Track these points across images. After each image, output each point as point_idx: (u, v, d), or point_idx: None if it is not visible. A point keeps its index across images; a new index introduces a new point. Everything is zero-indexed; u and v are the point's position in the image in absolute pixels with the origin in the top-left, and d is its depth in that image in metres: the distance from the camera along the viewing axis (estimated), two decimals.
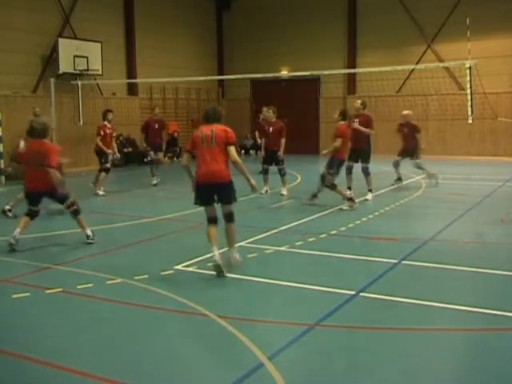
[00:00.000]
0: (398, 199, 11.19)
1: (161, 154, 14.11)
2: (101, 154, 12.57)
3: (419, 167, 13.02)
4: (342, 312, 5.23)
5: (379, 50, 20.90)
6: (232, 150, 6.31)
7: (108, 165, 12.46)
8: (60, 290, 5.90)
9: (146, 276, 6.29)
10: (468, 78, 12.69)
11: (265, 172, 12.06)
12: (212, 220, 6.56)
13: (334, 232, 8.45)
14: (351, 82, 21.59)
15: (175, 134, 20.90)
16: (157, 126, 13.92)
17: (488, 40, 18.69)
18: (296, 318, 5.09)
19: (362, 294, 5.66)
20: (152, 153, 13.87)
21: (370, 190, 11.35)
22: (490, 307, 5.22)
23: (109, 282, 6.13)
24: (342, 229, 8.66)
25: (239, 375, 3.99)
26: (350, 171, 11.32)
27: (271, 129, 12.04)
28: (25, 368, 4.23)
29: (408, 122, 12.95)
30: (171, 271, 6.52)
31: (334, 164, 10.20)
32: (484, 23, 18.17)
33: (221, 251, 6.46)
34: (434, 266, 6.62)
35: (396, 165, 12.93)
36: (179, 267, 6.66)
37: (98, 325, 5.05)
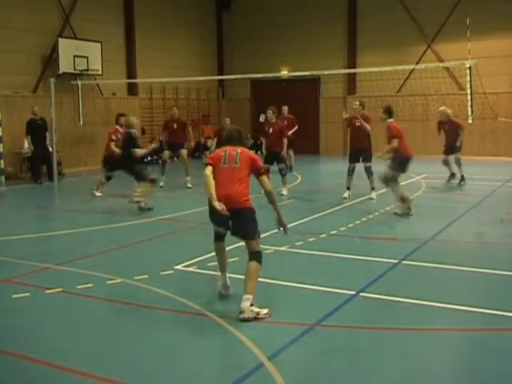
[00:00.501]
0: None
1: (183, 151, 13.65)
2: (109, 161, 11.97)
3: (458, 163, 13.26)
4: (342, 312, 5.23)
5: (379, 49, 20.90)
6: (265, 179, 5.48)
7: (111, 174, 11.94)
8: (60, 290, 5.90)
9: (146, 276, 6.29)
10: (468, 78, 12.68)
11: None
12: (219, 236, 5.60)
13: (333, 232, 8.45)
14: (351, 82, 21.59)
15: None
16: (175, 125, 13.69)
17: (488, 40, 18.68)
18: (296, 317, 5.09)
19: (361, 293, 5.66)
20: (167, 152, 13.68)
21: (373, 189, 11.42)
22: (489, 307, 5.23)
23: (109, 282, 6.13)
24: (342, 229, 8.66)
25: (239, 375, 3.99)
26: (351, 172, 11.41)
27: (271, 129, 12.02)
28: (25, 368, 4.23)
29: (449, 119, 13.26)
30: (171, 271, 6.52)
31: (396, 163, 9.62)
32: (484, 23, 18.17)
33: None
34: (433, 266, 6.62)
35: (446, 163, 13.27)
36: (179, 267, 6.66)
37: (98, 325, 5.05)
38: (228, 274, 5.67)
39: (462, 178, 13.19)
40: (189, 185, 13.32)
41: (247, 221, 5.33)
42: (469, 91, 12.68)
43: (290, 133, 14.75)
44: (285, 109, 16.51)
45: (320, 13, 22.10)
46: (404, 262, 6.84)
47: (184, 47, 22.41)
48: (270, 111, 12.09)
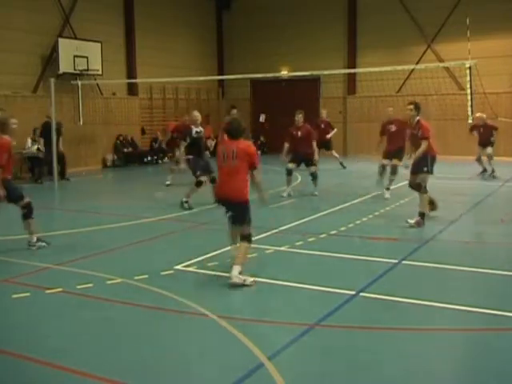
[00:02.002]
0: (398, 199, 11.18)
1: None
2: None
3: (490, 157, 14.79)
4: (342, 312, 5.23)
5: (379, 49, 20.89)
6: (255, 172, 6.20)
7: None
8: (60, 290, 5.90)
9: (146, 276, 6.28)
10: (468, 78, 12.67)
11: (289, 173, 11.90)
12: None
13: (333, 232, 8.45)
14: (351, 81, 21.58)
15: (175, 135, 20.85)
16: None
17: (488, 40, 18.68)
18: (296, 318, 5.09)
19: (362, 294, 5.66)
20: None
21: (388, 189, 11.48)
22: (489, 307, 5.23)
23: (109, 282, 6.13)
24: (342, 229, 8.66)
25: (239, 375, 3.99)
26: (385, 169, 11.65)
27: (299, 133, 12.00)
28: (25, 368, 4.23)
29: (485, 123, 14.80)
30: (171, 271, 6.52)
31: (428, 163, 8.89)
32: (484, 23, 18.16)
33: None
34: (433, 266, 6.62)
35: (479, 159, 14.91)
36: (179, 267, 6.66)
37: (98, 325, 5.05)
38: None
39: (493, 171, 14.70)
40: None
41: (242, 211, 6.25)
42: (469, 91, 12.68)
43: (328, 136, 16.44)
44: (323, 112, 16.98)
45: (320, 13, 22.09)
46: (404, 262, 6.84)
47: (184, 47, 22.41)
48: (301, 115, 12.14)
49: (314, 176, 11.99)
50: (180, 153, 10.74)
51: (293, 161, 11.90)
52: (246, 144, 6.25)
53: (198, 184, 10.46)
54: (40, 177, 15.08)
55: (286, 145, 12.04)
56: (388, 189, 11.44)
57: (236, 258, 6.15)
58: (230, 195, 6.21)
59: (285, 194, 11.75)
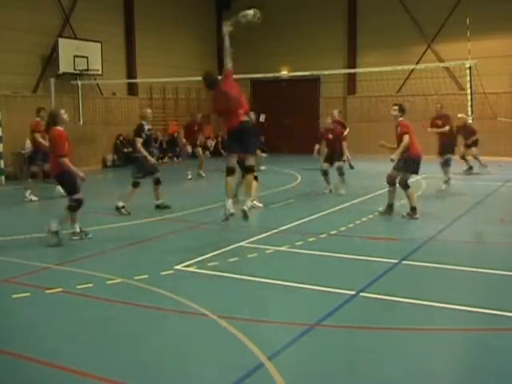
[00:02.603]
0: (398, 199, 11.17)
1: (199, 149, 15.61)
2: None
3: (476, 157, 15.33)
4: (342, 312, 5.22)
5: (379, 49, 20.90)
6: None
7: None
8: (60, 290, 5.90)
9: (146, 276, 6.28)
10: (468, 78, 12.69)
11: (325, 173, 12.21)
12: (229, 171, 7.69)
13: (333, 232, 8.45)
14: (351, 81, 21.58)
15: (175, 134, 20.89)
16: (196, 127, 15.83)
17: (488, 40, 18.69)
18: (296, 317, 5.09)
19: (362, 294, 5.66)
20: (189, 147, 15.43)
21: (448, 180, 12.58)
22: (489, 307, 5.22)
23: (109, 282, 6.13)
24: (342, 229, 8.66)
25: (239, 375, 3.99)
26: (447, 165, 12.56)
27: (331, 135, 12.24)
28: (25, 368, 4.23)
29: (466, 124, 14.47)
30: (171, 271, 6.52)
31: (407, 163, 9.36)
32: (484, 23, 18.16)
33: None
34: (433, 266, 6.62)
35: (463, 157, 15.25)
36: (179, 267, 6.65)
37: (98, 325, 5.05)
38: (230, 200, 7.61)
39: (471, 168, 15.20)
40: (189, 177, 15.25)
41: (253, 137, 7.65)
42: (469, 91, 12.70)
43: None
44: (335, 112, 17.00)
45: (320, 13, 22.10)
46: (404, 262, 6.84)
47: (184, 47, 22.41)
48: (331, 117, 12.64)
49: (340, 172, 12.18)
50: (138, 148, 10.74)
51: (326, 161, 12.18)
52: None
53: (135, 185, 10.21)
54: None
55: (318, 146, 12.46)
56: (448, 180, 12.55)
57: (246, 193, 7.70)
58: (242, 123, 7.45)
59: (326, 191, 12.18)
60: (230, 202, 7.60)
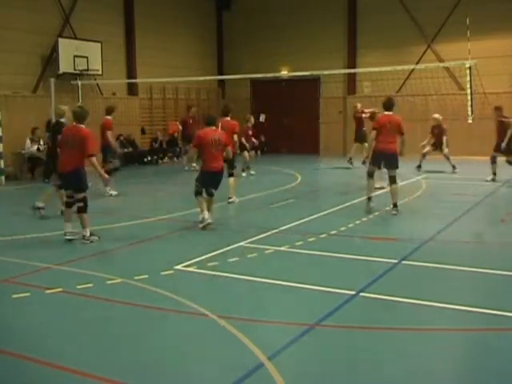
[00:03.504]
0: (400, 198, 11.16)
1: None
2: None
3: (447, 157, 15.36)
4: (342, 312, 5.23)
5: (379, 49, 20.89)
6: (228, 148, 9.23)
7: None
8: (60, 290, 5.90)
9: (146, 276, 6.28)
10: (468, 78, 12.69)
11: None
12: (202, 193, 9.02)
13: (333, 232, 8.45)
14: (351, 81, 21.58)
15: (175, 134, 20.89)
16: (191, 121, 16.53)
17: (488, 40, 18.67)
18: (296, 317, 5.09)
19: (361, 294, 5.66)
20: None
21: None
22: (489, 307, 5.22)
23: (109, 282, 6.13)
24: (342, 229, 8.66)
25: (239, 375, 3.99)
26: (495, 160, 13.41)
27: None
28: (25, 368, 4.23)
29: (439, 125, 15.36)
30: (171, 271, 6.52)
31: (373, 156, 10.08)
32: (484, 23, 18.15)
33: None
34: (433, 266, 6.62)
35: (424, 156, 15.64)
36: (179, 267, 6.65)
37: (98, 325, 5.05)
38: (207, 212, 8.72)
39: (454, 167, 15.35)
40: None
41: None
42: (469, 91, 12.69)
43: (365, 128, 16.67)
44: (358, 105, 18.00)
45: (320, 13, 22.09)
46: (404, 262, 6.84)
47: (184, 47, 22.41)
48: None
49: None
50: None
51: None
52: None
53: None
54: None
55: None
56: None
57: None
58: (219, 167, 9.02)
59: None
60: (206, 213, 8.72)
